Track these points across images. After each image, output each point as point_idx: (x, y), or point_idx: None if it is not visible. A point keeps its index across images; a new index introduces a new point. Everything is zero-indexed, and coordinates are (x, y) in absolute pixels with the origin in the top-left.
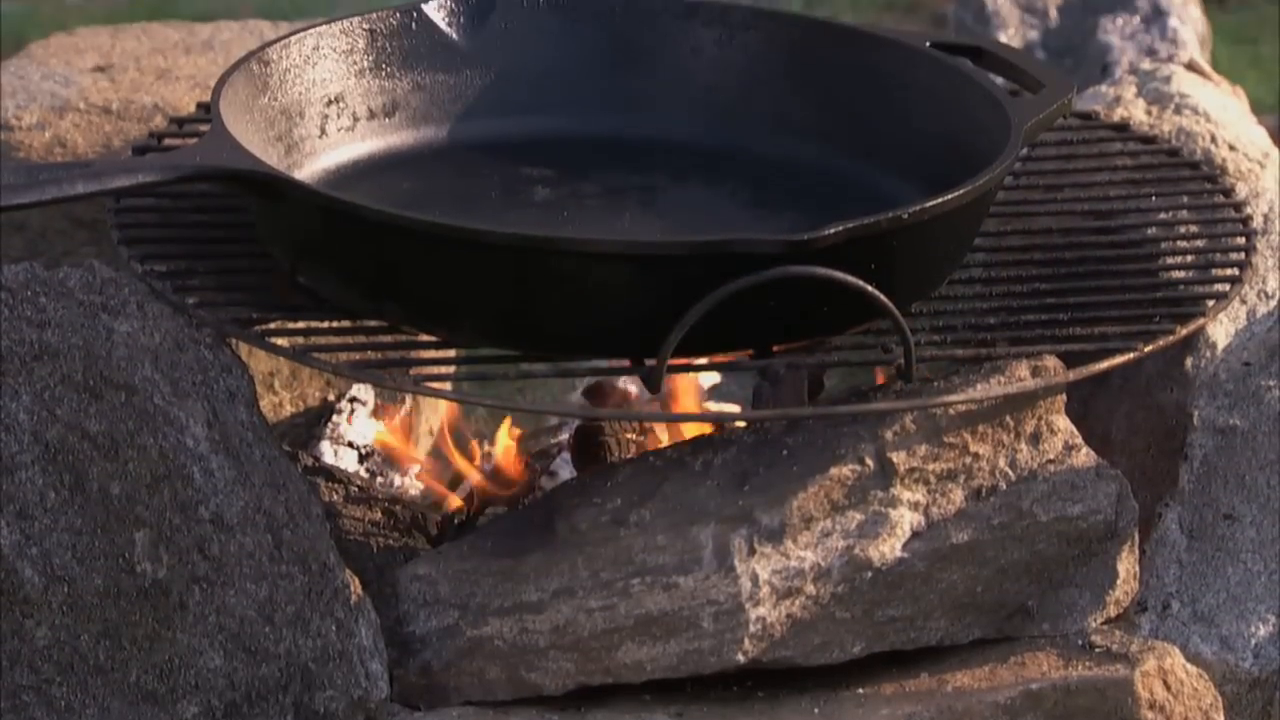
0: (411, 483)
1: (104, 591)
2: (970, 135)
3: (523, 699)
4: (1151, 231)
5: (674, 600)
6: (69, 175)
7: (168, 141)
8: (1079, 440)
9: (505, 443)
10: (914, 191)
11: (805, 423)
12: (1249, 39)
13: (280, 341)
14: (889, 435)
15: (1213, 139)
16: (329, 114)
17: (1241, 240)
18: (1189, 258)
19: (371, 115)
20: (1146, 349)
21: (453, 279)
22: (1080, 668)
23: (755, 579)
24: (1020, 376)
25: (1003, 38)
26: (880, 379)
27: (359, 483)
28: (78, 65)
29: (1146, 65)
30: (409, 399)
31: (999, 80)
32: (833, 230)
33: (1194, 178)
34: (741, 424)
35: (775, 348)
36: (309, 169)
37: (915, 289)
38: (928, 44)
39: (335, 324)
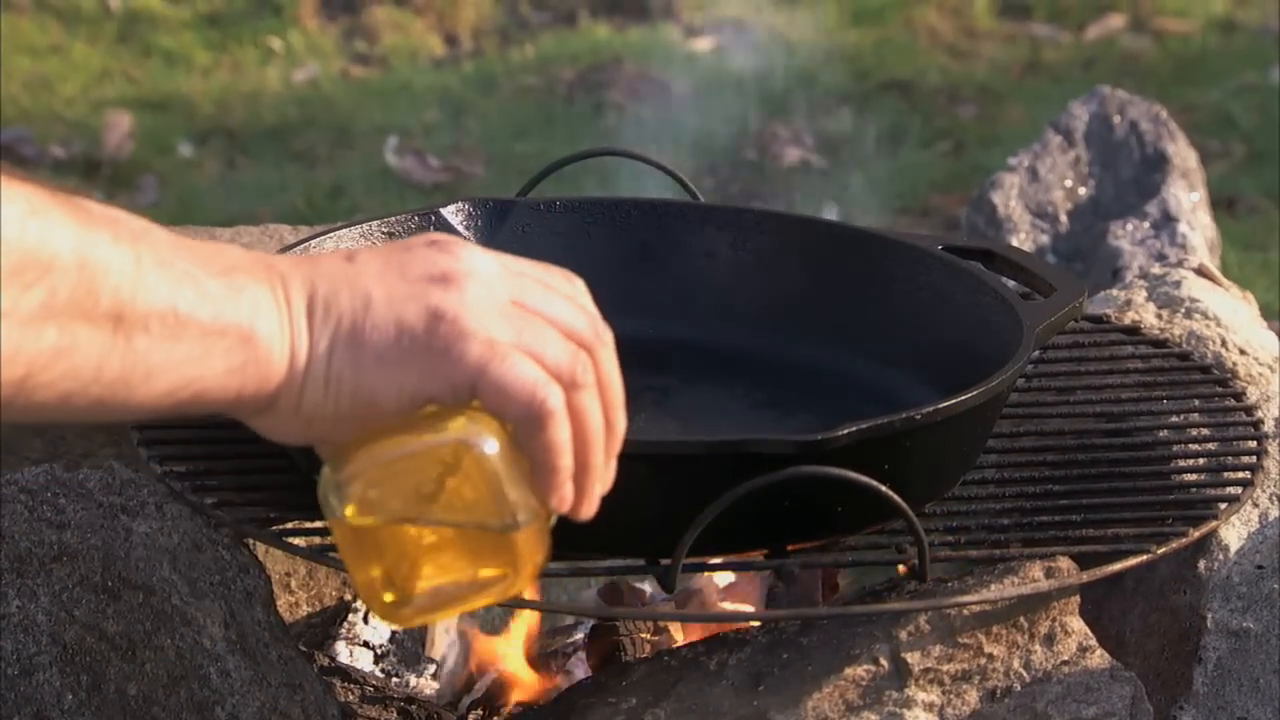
0: (427, 682)
1: None
2: (982, 337)
3: None
4: (1163, 434)
5: None
6: None
7: None
8: (1093, 642)
9: (521, 642)
10: (927, 393)
11: (819, 622)
12: (1259, 245)
13: (297, 541)
14: (903, 635)
15: (1223, 343)
16: None
17: (1253, 444)
18: (1201, 460)
19: None
20: (1159, 551)
21: None
22: None
23: None
24: (1034, 577)
25: (1014, 242)
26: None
27: (374, 682)
28: None
29: (1157, 270)
30: None
31: (1010, 283)
32: (846, 431)
33: (1205, 381)
34: (756, 623)
35: (790, 547)
36: None
37: (929, 489)
38: (940, 247)
39: None
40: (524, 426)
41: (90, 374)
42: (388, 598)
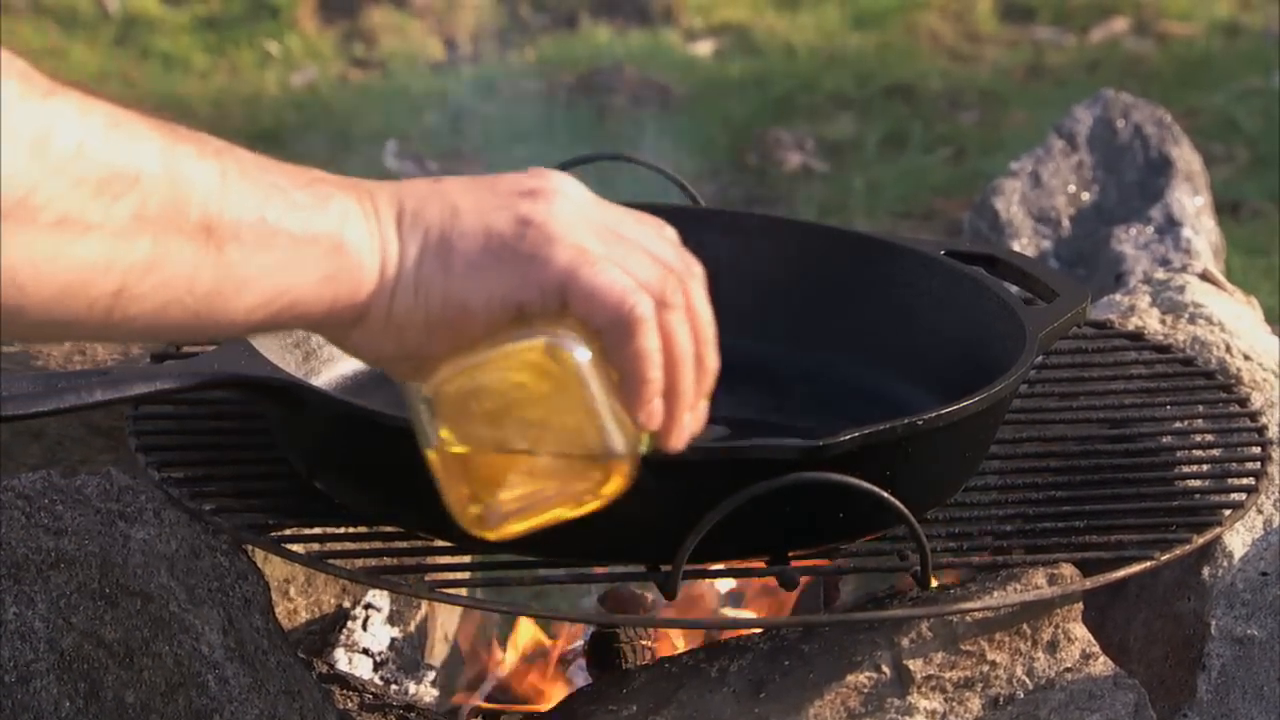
0: (426, 689)
1: None
2: (985, 343)
3: None
4: (1167, 440)
5: None
6: (87, 383)
7: (186, 349)
8: (1096, 649)
9: (522, 649)
10: (929, 399)
11: (821, 629)
12: (1262, 250)
13: (296, 548)
14: (905, 642)
15: (1227, 348)
16: None
17: (1257, 450)
18: (1205, 467)
19: None
20: (1163, 558)
21: None
22: None
23: None
24: (1037, 584)
25: (1016, 247)
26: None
27: (373, 690)
28: None
29: (1160, 275)
30: (424, 605)
31: (1013, 288)
32: (847, 437)
33: (1209, 387)
34: (758, 630)
35: (791, 553)
36: (326, 375)
37: (931, 496)
38: (942, 252)
39: (351, 530)
40: (613, 333)
41: (184, 285)
42: (474, 510)
